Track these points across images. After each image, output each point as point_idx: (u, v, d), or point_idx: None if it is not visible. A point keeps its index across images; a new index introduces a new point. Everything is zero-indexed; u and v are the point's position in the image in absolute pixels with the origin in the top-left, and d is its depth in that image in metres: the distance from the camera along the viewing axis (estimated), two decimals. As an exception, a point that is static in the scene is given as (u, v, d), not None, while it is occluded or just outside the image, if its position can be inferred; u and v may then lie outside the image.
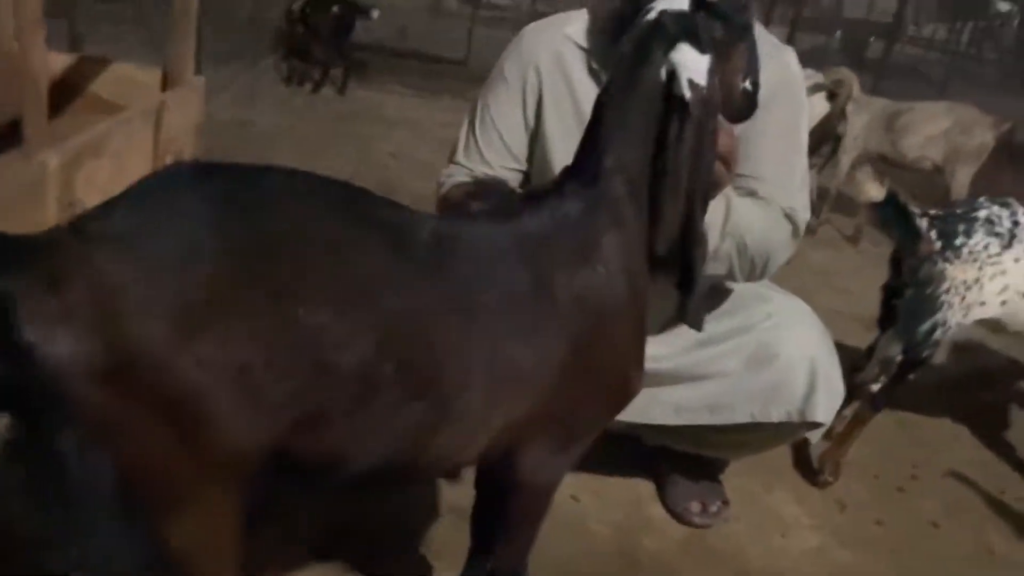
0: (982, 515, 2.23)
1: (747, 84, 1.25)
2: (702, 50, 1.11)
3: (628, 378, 1.25)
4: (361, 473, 1.01)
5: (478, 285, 1.04)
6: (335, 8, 5.50)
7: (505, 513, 1.27)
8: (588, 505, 2.02)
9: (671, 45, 1.12)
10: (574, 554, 1.86)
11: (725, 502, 2.06)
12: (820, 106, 3.52)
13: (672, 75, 1.11)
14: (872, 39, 9.52)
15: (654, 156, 1.13)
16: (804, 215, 1.67)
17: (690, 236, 1.16)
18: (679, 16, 1.13)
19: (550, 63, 1.68)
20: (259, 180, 0.91)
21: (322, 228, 0.92)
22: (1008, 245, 1.99)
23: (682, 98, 1.09)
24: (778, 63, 1.67)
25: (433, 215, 1.08)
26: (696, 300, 1.22)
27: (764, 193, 1.62)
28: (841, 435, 2.20)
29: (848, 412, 2.24)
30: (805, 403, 1.74)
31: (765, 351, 1.74)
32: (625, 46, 1.16)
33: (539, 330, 1.10)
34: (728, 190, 1.52)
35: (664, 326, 1.75)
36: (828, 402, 1.74)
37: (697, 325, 1.24)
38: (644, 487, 2.10)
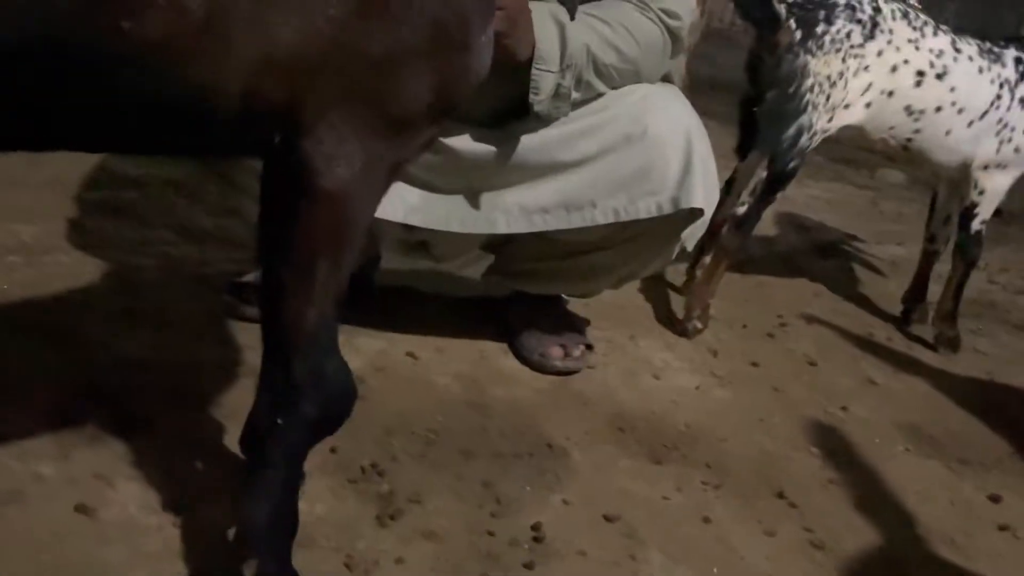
0: (855, 354, 2.05)
1: None
2: None
3: (465, 25, 0.87)
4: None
5: None
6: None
7: (293, 236, 0.86)
8: (428, 361, 1.65)
9: None
10: (417, 408, 1.48)
11: (588, 346, 1.74)
12: None
13: None
14: None
15: None
16: (685, 18, 1.49)
17: None
18: None
19: None
20: None
21: None
22: (871, 36, 1.81)
23: None
24: None
25: None
26: None
27: None
28: (707, 271, 1.95)
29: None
30: (679, 188, 1.44)
31: (631, 127, 1.43)
32: None
33: None
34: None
35: (504, 110, 1.42)
36: (706, 186, 1.46)
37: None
38: (492, 345, 1.75)
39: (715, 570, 1.21)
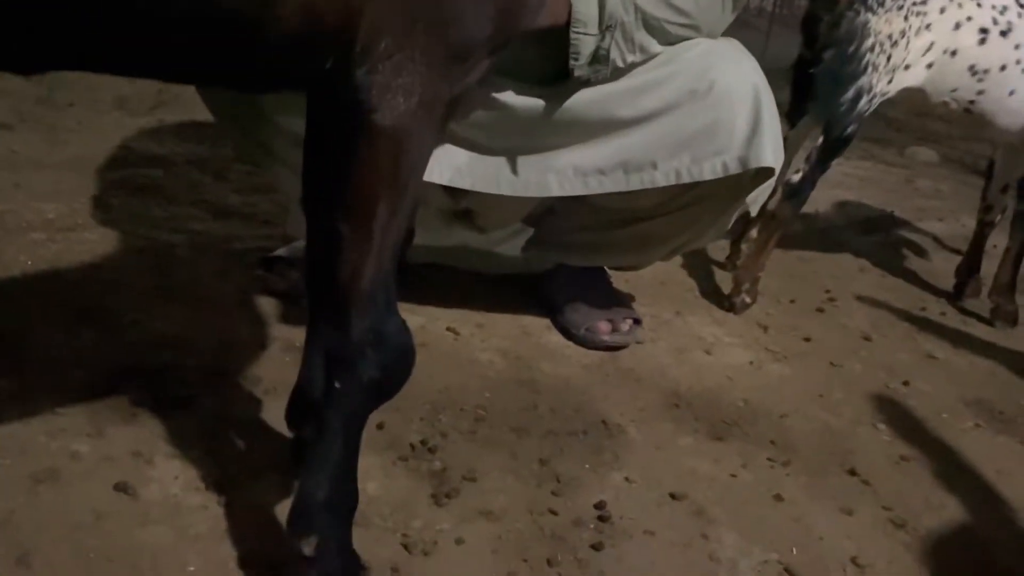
0: (910, 328, 1.97)
1: None
2: None
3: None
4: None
5: None
6: None
7: (346, 179, 0.77)
8: (470, 337, 1.57)
9: None
10: (462, 384, 1.41)
11: (636, 321, 1.66)
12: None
13: None
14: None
15: None
16: None
17: None
18: None
19: None
20: None
21: None
22: (932, -9, 1.72)
23: None
24: None
25: None
26: None
27: None
28: (758, 242, 1.86)
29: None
30: (748, 147, 1.34)
31: (696, 82, 1.33)
32: None
33: None
34: None
35: (547, 76, 1.32)
36: (775, 144, 1.36)
37: None
38: (534, 320, 1.67)
39: (794, 550, 1.13)
